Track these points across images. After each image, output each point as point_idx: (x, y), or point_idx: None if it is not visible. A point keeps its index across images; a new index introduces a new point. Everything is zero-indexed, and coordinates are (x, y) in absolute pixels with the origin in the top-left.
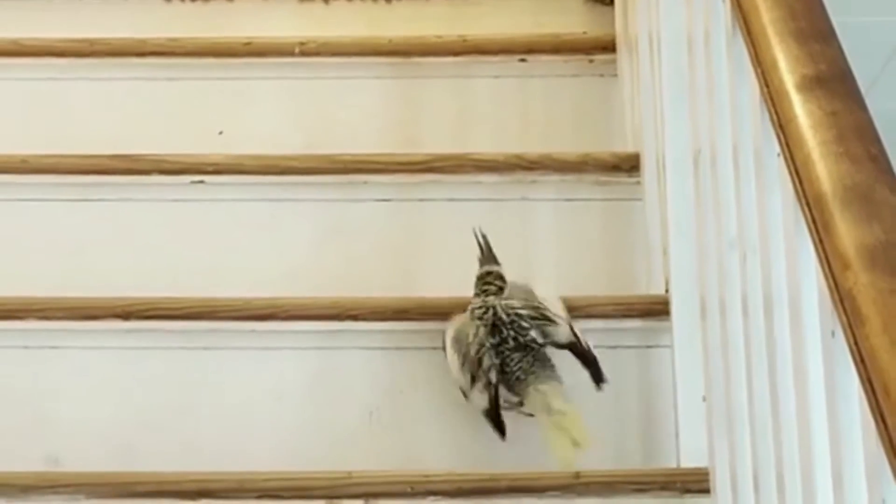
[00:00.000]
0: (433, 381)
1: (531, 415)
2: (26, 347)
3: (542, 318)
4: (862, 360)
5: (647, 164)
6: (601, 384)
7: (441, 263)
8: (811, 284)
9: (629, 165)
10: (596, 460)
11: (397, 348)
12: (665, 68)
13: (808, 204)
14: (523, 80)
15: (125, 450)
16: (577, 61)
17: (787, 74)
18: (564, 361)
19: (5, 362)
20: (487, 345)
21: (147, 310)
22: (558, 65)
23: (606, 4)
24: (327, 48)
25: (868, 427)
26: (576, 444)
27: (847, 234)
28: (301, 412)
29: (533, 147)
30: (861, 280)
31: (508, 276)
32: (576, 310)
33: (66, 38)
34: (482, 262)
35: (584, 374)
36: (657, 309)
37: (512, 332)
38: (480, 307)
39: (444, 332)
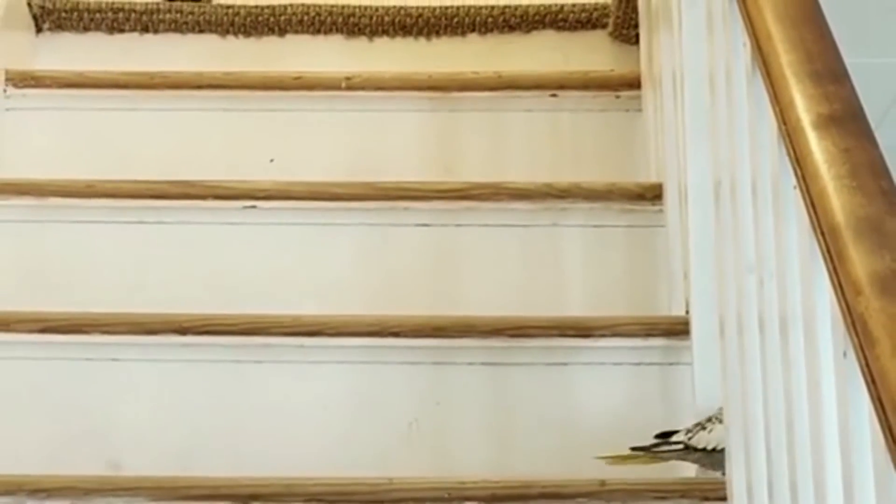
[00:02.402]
0: (469, 394)
1: None
2: (89, 360)
3: None
4: (872, 380)
5: (670, 194)
6: None
7: (476, 284)
8: (825, 308)
9: (653, 194)
10: (621, 469)
11: (435, 363)
12: (687, 104)
13: (822, 233)
14: (554, 114)
15: (181, 456)
16: (604, 97)
17: (804, 113)
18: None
19: (71, 373)
20: None
21: (202, 326)
22: (587, 100)
23: (632, 44)
24: (371, 83)
25: (877, 441)
26: None
27: (859, 262)
28: (345, 422)
29: (563, 177)
30: (872, 305)
31: (538, 298)
32: (602, 329)
33: (129, 72)
34: None
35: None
36: (678, 329)
37: None
38: None
39: None
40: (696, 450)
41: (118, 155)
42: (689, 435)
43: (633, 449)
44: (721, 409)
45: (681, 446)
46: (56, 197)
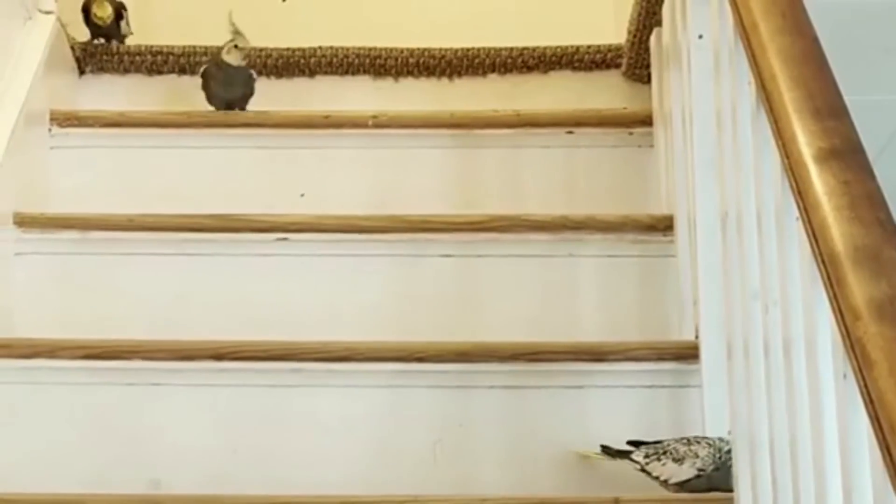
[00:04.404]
0: (490, 415)
1: None
2: (131, 384)
3: None
4: (871, 400)
5: (680, 225)
6: None
7: (497, 311)
8: (826, 333)
9: (664, 226)
10: (634, 489)
11: (459, 387)
12: (696, 140)
13: (823, 262)
14: (570, 150)
15: (218, 475)
16: (617, 134)
17: (806, 147)
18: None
19: (113, 397)
20: None
21: (237, 352)
22: (601, 137)
23: (644, 83)
24: (397, 121)
25: (875, 459)
26: None
27: (858, 289)
28: (372, 443)
29: (578, 209)
30: (870, 330)
31: (555, 324)
32: (616, 353)
33: (167, 111)
34: None
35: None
36: (688, 353)
37: None
38: None
39: None
40: (649, 474)
41: (157, 190)
42: (647, 460)
43: (602, 448)
44: (679, 439)
45: (638, 466)
46: (99, 230)
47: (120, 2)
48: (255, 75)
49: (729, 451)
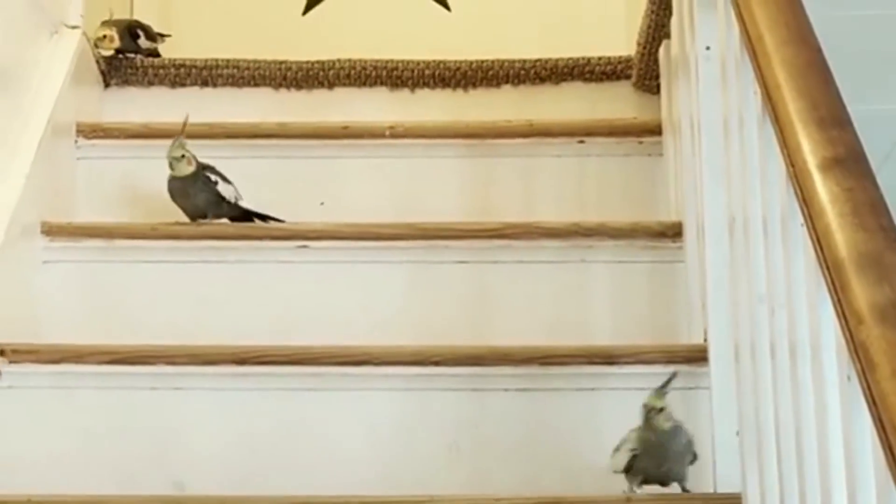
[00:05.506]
0: (504, 418)
1: None
2: (154, 388)
3: None
4: (874, 401)
5: (689, 231)
6: None
7: (511, 316)
8: (830, 336)
9: (673, 232)
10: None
11: (473, 390)
12: (704, 149)
13: (827, 267)
14: (581, 158)
15: (240, 476)
16: (628, 143)
17: (810, 156)
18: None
19: (137, 401)
20: None
21: (258, 356)
22: (612, 146)
23: (654, 93)
24: (413, 131)
25: (878, 458)
26: None
27: (861, 293)
28: (390, 444)
29: (590, 216)
30: (873, 333)
31: (568, 328)
32: (627, 357)
33: (190, 123)
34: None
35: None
36: (697, 356)
37: None
38: None
39: None
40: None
41: None
42: (613, 453)
43: None
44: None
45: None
46: (123, 239)
47: (131, 22)
48: (212, 178)
49: (669, 430)
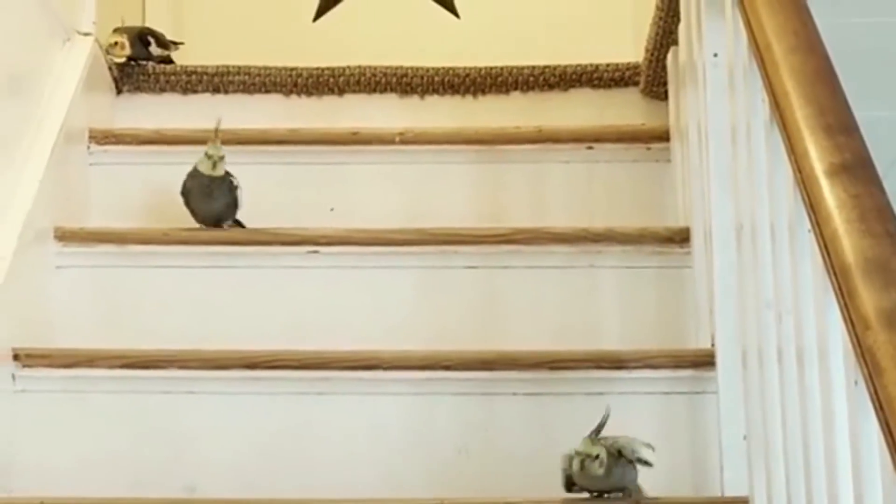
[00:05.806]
0: (513, 422)
1: None
2: (167, 392)
3: None
4: (881, 406)
5: (696, 237)
6: None
7: (520, 321)
8: (837, 341)
9: (681, 238)
10: (652, 490)
11: (483, 394)
12: (712, 155)
13: (834, 273)
14: (590, 164)
15: (251, 479)
16: (636, 149)
17: (817, 162)
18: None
19: (149, 405)
20: None
21: (269, 361)
22: (620, 152)
23: (662, 100)
24: (423, 137)
25: (885, 462)
26: None
27: (868, 299)
28: (399, 448)
29: (598, 222)
30: (880, 338)
31: (577, 333)
32: (635, 361)
33: (201, 129)
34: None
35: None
36: (704, 360)
37: None
38: None
39: None
40: None
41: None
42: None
43: None
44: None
45: None
46: (136, 244)
47: (142, 29)
48: (236, 183)
49: (602, 476)
